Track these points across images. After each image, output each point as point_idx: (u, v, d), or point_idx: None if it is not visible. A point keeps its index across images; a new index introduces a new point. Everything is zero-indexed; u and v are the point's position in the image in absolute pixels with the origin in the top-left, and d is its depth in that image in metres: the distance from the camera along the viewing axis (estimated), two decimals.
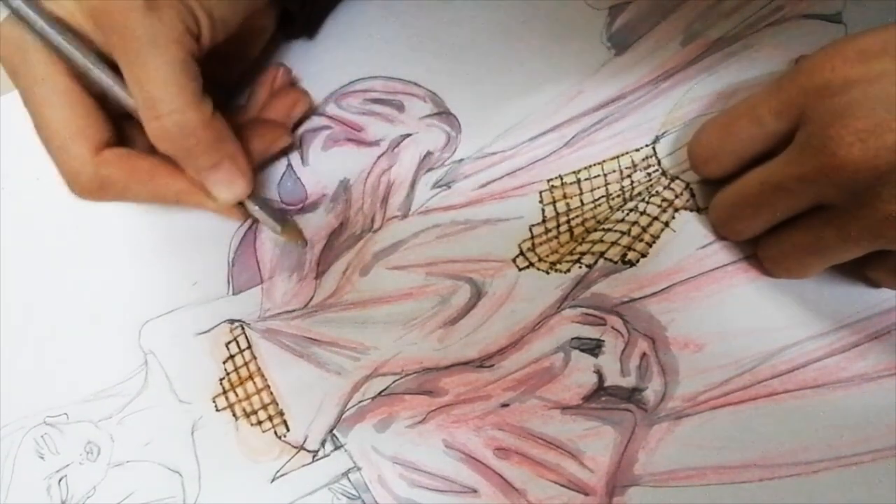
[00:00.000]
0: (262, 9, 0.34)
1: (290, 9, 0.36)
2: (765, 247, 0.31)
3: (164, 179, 0.31)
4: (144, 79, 0.28)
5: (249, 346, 0.35)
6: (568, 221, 0.35)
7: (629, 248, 0.34)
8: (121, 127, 0.32)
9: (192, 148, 0.30)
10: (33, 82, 0.30)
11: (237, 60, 0.36)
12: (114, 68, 0.30)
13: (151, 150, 0.31)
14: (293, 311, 0.35)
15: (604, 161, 0.35)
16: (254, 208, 0.33)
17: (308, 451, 0.34)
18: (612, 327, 0.33)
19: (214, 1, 0.30)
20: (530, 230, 0.35)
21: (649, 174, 0.34)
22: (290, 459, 0.34)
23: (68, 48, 0.29)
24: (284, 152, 0.37)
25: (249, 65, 0.37)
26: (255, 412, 0.34)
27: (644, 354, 0.32)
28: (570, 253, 0.34)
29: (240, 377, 0.35)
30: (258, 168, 0.35)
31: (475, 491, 0.32)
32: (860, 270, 0.31)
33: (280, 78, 0.37)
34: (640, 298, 0.33)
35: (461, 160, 0.36)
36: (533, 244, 0.34)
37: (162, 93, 0.28)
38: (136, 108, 0.30)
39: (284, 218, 0.35)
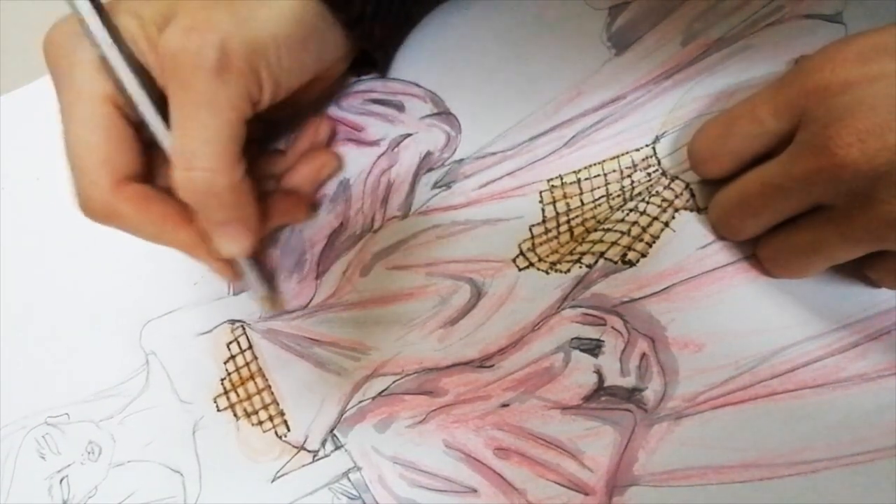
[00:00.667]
0: (333, 64, 0.34)
1: (371, 53, 0.35)
2: (764, 247, 0.31)
3: (173, 227, 0.31)
4: (189, 131, 0.28)
5: (250, 347, 0.35)
6: (568, 221, 0.35)
7: (629, 248, 0.34)
8: (150, 154, 0.31)
9: (212, 204, 0.29)
10: (76, 98, 0.29)
11: (292, 106, 0.35)
12: (159, 99, 0.29)
13: (171, 183, 0.30)
14: (294, 311, 0.35)
15: (604, 161, 0.35)
16: (246, 268, 0.33)
17: (308, 451, 0.34)
18: (612, 327, 0.33)
19: (284, 69, 0.30)
20: (530, 230, 0.35)
21: (649, 174, 0.34)
22: (290, 459, 0.34)
23: (125, 72, 0.28)
24: None
25: (298, 110, 0.36)
26: (255, 412, 0.34)
27: (644, 354, 0.32)
28: (570, 253, 0.34)
29: (241, 377, 0.35)
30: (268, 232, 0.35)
31: (475, 491, 0.32)
32: (860, 270, 0.31)
33: (321, 132, 0.36)
34: (640, 298, 0.33)
35: (461, 160, 0.36)
36: (533, 244, 0.34)
37: (201, 150, 0.28)
38: (171, 151, 0.29)
39: (272, 285, 0.35)
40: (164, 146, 0.30)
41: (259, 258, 0.35)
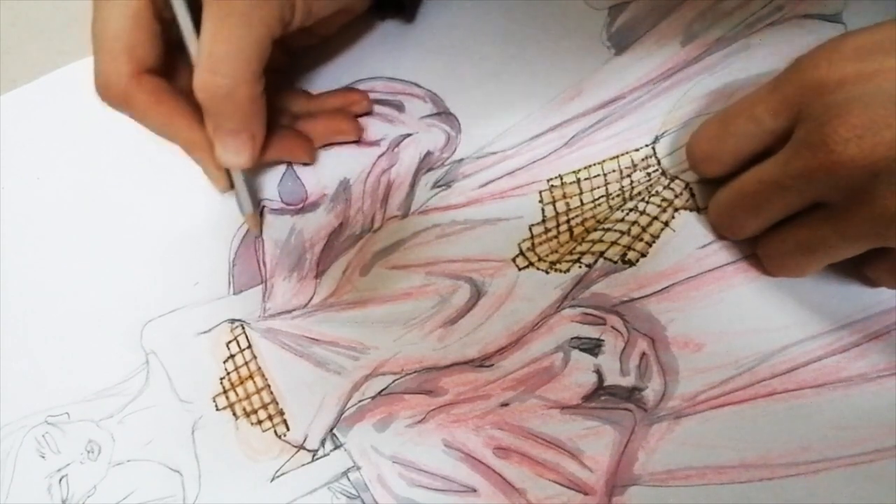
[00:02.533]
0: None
1: None
2: (764, 246, 0.31)
3: (182, 125, 0.32)
4: (220, 39, 0.29)
5: (250, 346, 0.35)
6: (568, 221, 0.35)
7: (629, 247, 0.34)
8: (172, 53, 0.33)
9: (226, 111, 0.31)
10: None
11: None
12: (193, 5, 0.30)
13: (187, 85, 0.31)
14: (293, 310, 0.35)
15: (604, 161, 0.35)
16: (239, 181, 0.34)
17: (308, 450, 0.34)
18: (612, 327, 0.33)
19: None
20: (530, 230, 0.35)
21: (649, 174, 0.34)
22: (289, 459, 0.34)
23: None
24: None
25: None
26: (255, 411, 0.34)
27: (644, 354, 0.32)
28: (570, 252, 0.34)
29: (240, 376, 0.35)
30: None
31: (475, 490, 0.32)
32: (859, 270, 0.31)
33: (359, 104, 0.37)
34: (640, 298, 0.33)
35: (461, 160, 0.36)
36: (533, 244, 0.34)
37: (229, 58, 0.29)
38: (196, 54, 0.30)
39: (258, 206, 0.36)
40: (190, 49, 0.31)
41: (252, 179, 0.37)
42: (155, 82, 0.32)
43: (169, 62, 0.33)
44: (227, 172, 0.34)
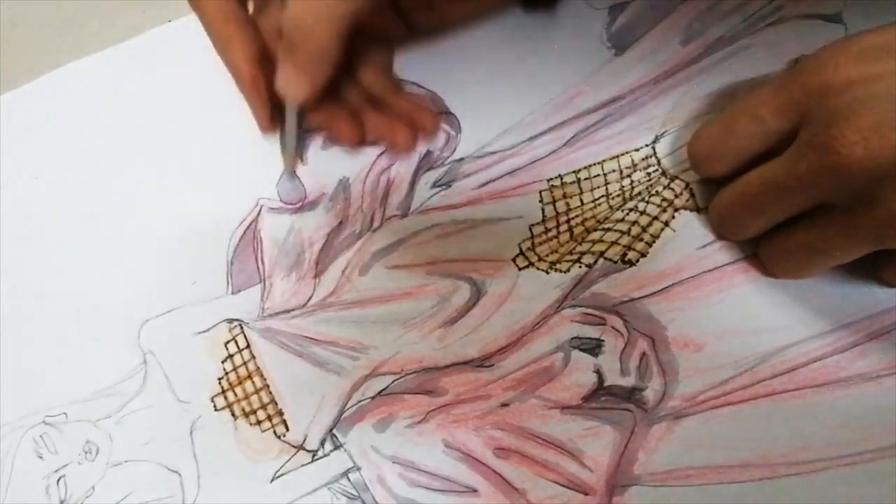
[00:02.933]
0: None
1: None
2: (765, 247, 0.31)
3: (239, 49, 0.33)
4: None
5: (248, 346, 0.35)
6: (568, 221, 0.35)
7: (629, 247, 0.34)
8: None
9: (306, 45, 0.30)
10: None
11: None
12: None
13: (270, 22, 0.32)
14: (292, 310, 0.35)
15: (604, 161, 0.35)
16: (289, 119, 0.34)
17: (307, 450, 0.33)
18: (612, 327, 0.33)
19: None
20: (530, 230, 0.35)
21: (649, 174, 0.34)
22: (289, 459, 0.33)
23: None
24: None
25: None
26: (254, 412, 0.34)
27: (644, 354, 0.32)
28: (570, 252, 0.34)
29: (238, 377, 0.35)
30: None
31: (475, 490, 0.32)
32: (872, 272, 0.31)
33: (426, 128, 0.36)
34: (640, 298, 0.33)
35: (461, 159, 0.36)
36: (533, 244, 0.34)
37: (327, 5, 0.29)
38: None
39: (301, 151, 0.36)
40: None
41: (302, 128, 0.36)
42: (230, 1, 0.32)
43: None
44: (277, 114, 0.34)
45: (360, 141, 0.36)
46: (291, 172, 0.36)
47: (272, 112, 0.34)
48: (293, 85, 0.32)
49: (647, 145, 0.35)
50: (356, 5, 0.30)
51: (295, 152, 0.36)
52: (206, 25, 0.33)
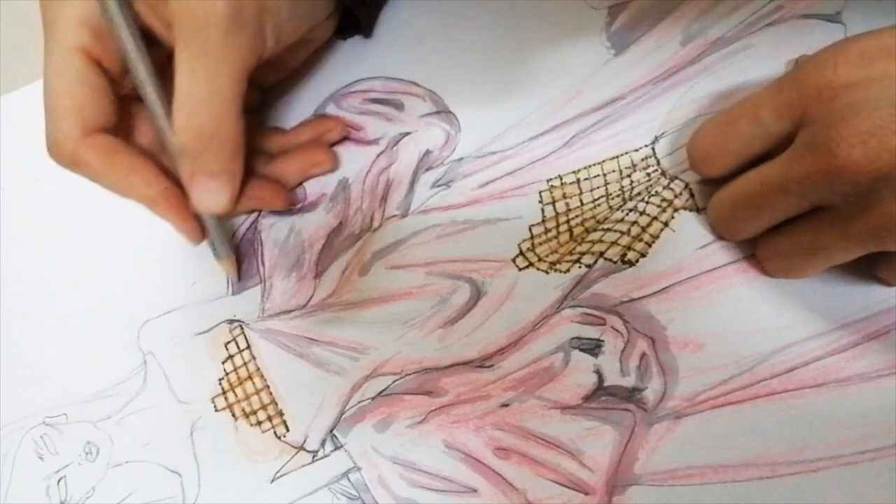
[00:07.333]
0: (321, 23, 0.35)
1: (355, 12, 0.36)
2: (764, 247, 0.31)
3: (141, 181, 0.31)
4: (199, 79, 0.28)
5: (248, 346, 0.35)
6: (567, 221, 0.35)
7: (629, 247, 0.34)
8: (126, 108, 0.32)
9: (209, 150, 0.30)
10: (55, 47, 0.30)
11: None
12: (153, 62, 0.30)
13: (146, 138, 0.31)
14: (292, 310, 0.35)
15: (603, 161, 0.35)
16: (214, 224, 0.33)
17: (308, 451, 0.33)
18: (612, 327, 0.33)
19: (284, 21, 0.31)
20: (530, 230, 0.35)
21: (649, 174, 0.34)
22: (289, 460, 0.34)
23: (119, 19, 0.29)
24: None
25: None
26: (254, 412, 0.34)
27: (644, 354, 0.32)
28: (570, 253, 0.34)
29: (239, 377, 0.35)
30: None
31: (475, 491, 0.32)
32: (870, 271, 0.31)
33: (333, 132, 0.37)
34: (640, 298, 0.33)
35: (461, 159, 0.36)
36: (532, 244, 0.34)
37: (209, 97, 0.29)
38: (155, 101, 0.30)
39: (232, 250, 0.35)
40: (149, 100, 0.30)
41: (225, 223, 0.36)
42: (105, 140, 0.31)
43: (123, 118, 0.32)
44: (199, 221, 0.33)
45: (288, 195, 0.36)
46: (236, 278, 0.36)
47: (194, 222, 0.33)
48: (213, 195, 0.31)
49: (646, 145, 0.35)
50: (241, 93, 0.29)
51: (232, 256, 0.35)
52: (94, 181, 0.32)
